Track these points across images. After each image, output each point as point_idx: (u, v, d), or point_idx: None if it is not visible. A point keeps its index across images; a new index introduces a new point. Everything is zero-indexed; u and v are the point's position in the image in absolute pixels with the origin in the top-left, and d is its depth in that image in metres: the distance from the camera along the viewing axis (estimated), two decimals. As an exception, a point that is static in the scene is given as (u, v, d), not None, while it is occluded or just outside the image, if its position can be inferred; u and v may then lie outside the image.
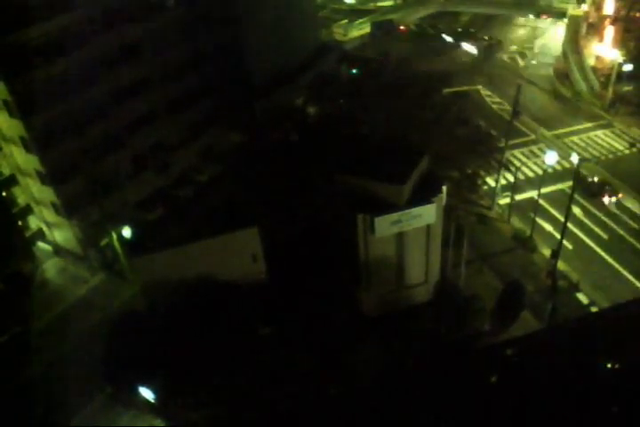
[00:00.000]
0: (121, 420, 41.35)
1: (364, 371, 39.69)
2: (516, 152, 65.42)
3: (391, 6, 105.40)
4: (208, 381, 37.24)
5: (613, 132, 69.08)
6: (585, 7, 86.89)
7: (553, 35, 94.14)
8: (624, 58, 71.47)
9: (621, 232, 54.20)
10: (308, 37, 74.26)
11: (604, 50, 77.40)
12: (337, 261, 44.77)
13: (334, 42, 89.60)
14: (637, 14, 76.40)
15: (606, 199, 57.02)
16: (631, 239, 53.25)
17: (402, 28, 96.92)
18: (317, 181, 45.25)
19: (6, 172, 51.97)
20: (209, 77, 61.57)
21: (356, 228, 40.64)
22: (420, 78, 65.03)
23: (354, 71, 79.13)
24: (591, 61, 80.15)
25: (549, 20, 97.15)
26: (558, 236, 48.31)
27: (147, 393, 37.53)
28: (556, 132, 69.58)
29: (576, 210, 54.99)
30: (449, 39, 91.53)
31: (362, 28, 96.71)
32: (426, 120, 57.08)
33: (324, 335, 40.14)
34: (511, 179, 57.82)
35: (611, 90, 72.24)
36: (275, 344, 39.22)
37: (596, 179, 59.08)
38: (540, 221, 54.32)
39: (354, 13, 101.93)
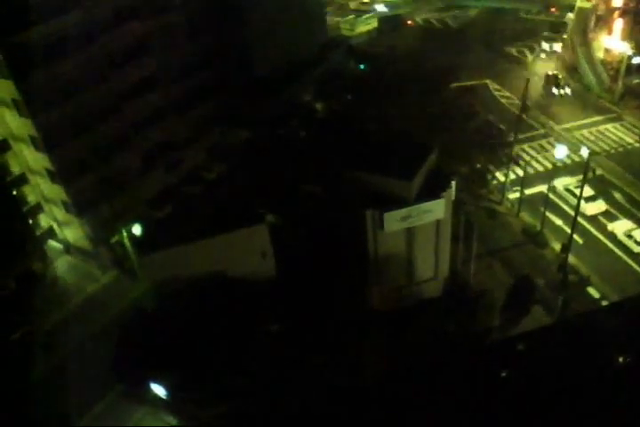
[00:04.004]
0: (133, 417, 41.54)
1: (374, 367, 39.72)
2: (526, 146, 65.13)
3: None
4: (218, 378, 37.36)
5: (623, 126, 68.64)
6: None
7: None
8: (633, 50, 70.98)
9: (632, 226, 53.87)
10: (315, 33, 74.15)
11: (613, 42, 76.93)
12: (346, 257, 44.77)
13: (341, 37, 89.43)
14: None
15: None
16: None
17: (409, 22, 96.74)
18: (326, 177, 45.24)
19: (16, 171, 52.17)
20: (216, 75, 61.61)
21: (365, 223, 40.63)
22: (428, 73, 64.95)
23: (361, 67, 78.97)
24: (600, 54, 79.65)
25: (557, 12, 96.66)
26: (568, 230, 48.11)
27: (158, 390, 37.68)
28: (566, 125, 69.23)
29: (586, 204, 54.72)
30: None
31: (369, 24, 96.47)
32: (434, 115, 57.03)
33: (333, 332, 40.17)
34: (521, 173, 57.61)
35: (620, 83, 71.74)
36: (284, 341, 39.28)
37: None
38: (549, 215, 54.09)
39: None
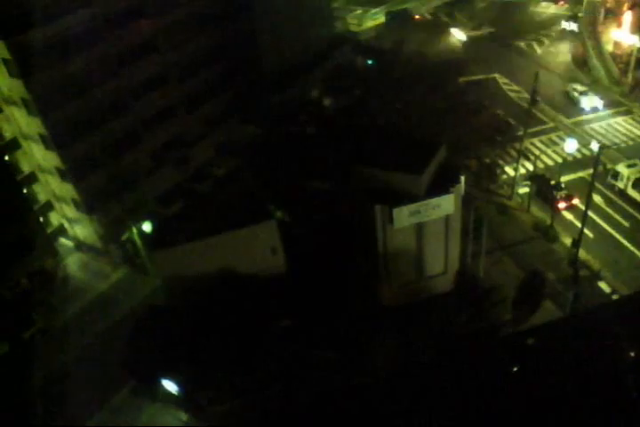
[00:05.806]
0: (145, 413, 41.76)
1: (384, 362, 39.72)
2: (535, 140, 64.85)
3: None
4: (229, 374, 37.48)
5: (633, 119, 68.22)
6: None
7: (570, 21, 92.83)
8: (643, 43, 70.47)
9: (643, 220, 53.63)
10: (322, 29, 74.02)
11: (623, 35, 76.36)
12: (356, 252, 44.74)
13: (349, 33, 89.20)
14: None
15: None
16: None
17: (417, 17, 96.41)
18: (335, 172, 45.22)
19: (26, 169, 52.48)
20: (224, 72, 61.66)
21: (374, 219, 40.59)
22: (436, 67, 64.77)
23: (369, 62, 78.74)
24: (609, 47, 79.09)
25: (566, 5, 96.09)
26: (579, 224, 47.90)
27: (170, 386, 37.84)
28: (575, 119, 68.86)
29: (597, 198, 54.43)
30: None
31: (376, 19, 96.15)
32: (442, 109, 56.83)
33: (343, 328, 40.19)
34: (530, 167, 57.34)
35: (630, 76, 71.29)
36: (294, 337, 39.33)
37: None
38: (560, 209, 53.85)
39: (368, 3, 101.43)
